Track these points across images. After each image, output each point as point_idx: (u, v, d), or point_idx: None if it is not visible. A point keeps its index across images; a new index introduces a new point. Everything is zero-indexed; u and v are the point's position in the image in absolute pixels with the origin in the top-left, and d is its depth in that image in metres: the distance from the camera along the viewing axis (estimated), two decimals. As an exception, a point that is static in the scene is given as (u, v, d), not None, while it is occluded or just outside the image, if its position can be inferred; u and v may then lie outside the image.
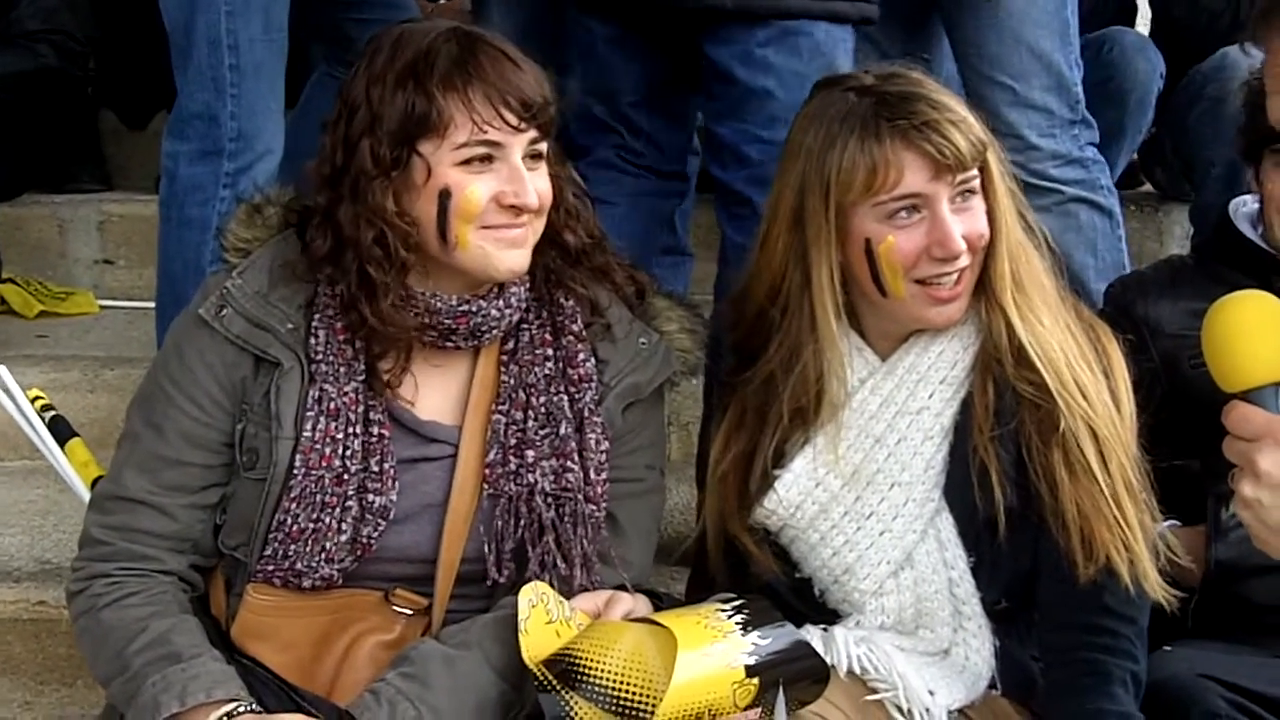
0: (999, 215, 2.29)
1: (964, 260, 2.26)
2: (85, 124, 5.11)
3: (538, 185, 2.19)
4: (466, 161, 2.16)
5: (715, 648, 2.02)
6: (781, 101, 2.85)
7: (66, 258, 4.69)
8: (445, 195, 2.15)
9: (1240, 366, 1.75)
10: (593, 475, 2.24)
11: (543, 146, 2.21)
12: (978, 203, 2.28)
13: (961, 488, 2.30)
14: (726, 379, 2.49)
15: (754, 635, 2.06)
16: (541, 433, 2.25)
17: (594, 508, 2.24)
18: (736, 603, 2.12)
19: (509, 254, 2.19)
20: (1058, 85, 3.37)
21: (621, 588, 2.24)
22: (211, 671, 2.09)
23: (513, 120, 2.15)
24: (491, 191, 2.16)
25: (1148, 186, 4.72)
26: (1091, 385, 2.27)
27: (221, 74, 3.12)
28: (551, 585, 2.18)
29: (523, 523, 2.21)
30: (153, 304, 3.40)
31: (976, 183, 2.28)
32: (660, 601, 2.26)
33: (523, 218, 2.19)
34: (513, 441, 2.24)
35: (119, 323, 4.34)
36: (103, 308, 4.48)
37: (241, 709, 2.05)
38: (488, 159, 2.17)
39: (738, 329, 2.45)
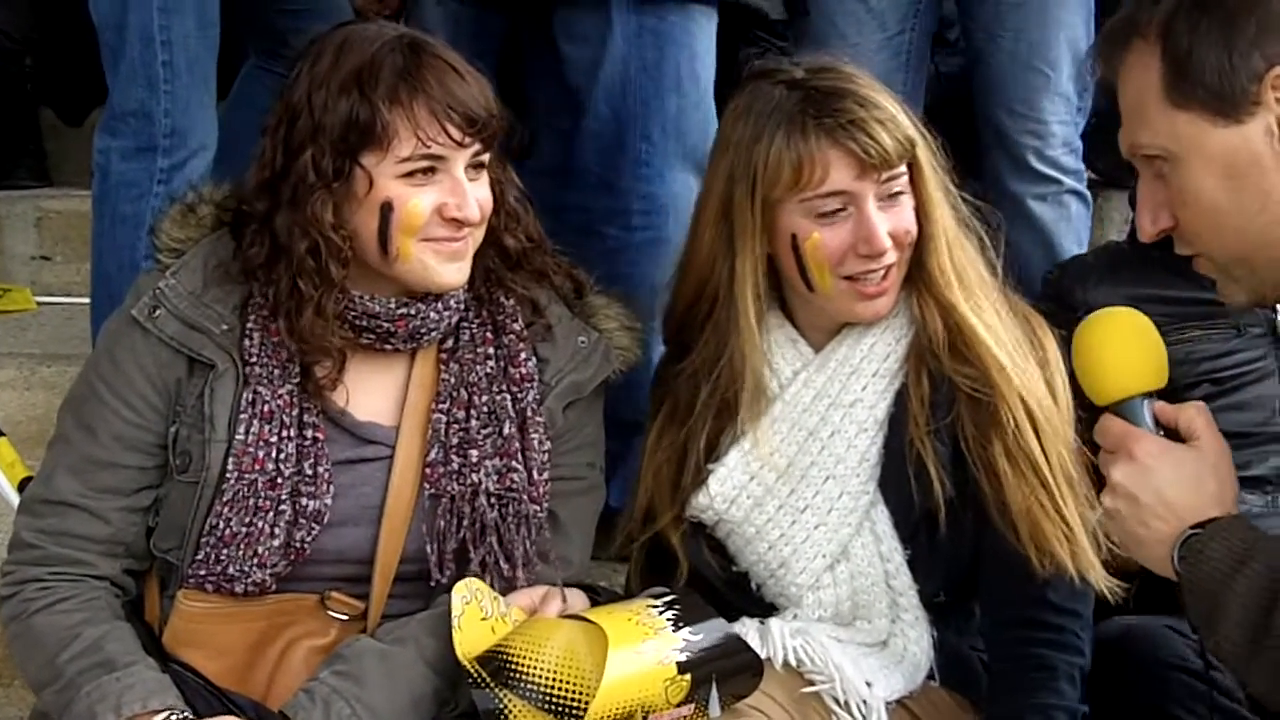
0: (930, 210, 2.29)
1: (890, 257, 2.26)
2: (24, 120, 5.07)
3: (478, 196, 2.19)
4: (409, 174, 2.15)
5: (647, 645, 2.02)
6: None
7: (3, 254, 4.64)
8: (387, 208, 2.14)
9: (1108, 381, 1.87)
10: (535, 475, 2.24)
11: (485, 157, 2.21)
12: (906, 199, 2.28)
13: (897, 480, 2.30)
14: (659, 372, 2.49)
15: (685, 631, 2.06)
16: (484, 432, 2.24)
17: (536, 508, 2.24)
18: (668, 598, 2.13)
19: (449, 268, 2.19)
20: (1078, 73, 3.36)
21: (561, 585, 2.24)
22: (146, 680, 2.08)
23: (457, 135, 2.14)
24: (434, 204, 2.15)
25: (1089, 173, 4.72)
26: (1030, 377, 2.28)
27: (155, 70, 3.09)
28: (492, 584, 2.17)
29: (465, 522, 2.20)
30: (89, 300, 3.36)
31: (905, 180, 2.28)
32: (599, 596, 2.27)
33: (464, 230, 2.19)
34: (455, 440, 2.23)
35: (56, 319, 4.28)
36: (40, 304, 4.42)
37: (174, 718, 2.03)
38: (430, 170, 2.16)
39: (670, 321, 2.45)
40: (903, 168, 2.26)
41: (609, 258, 2.87)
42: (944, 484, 2.26)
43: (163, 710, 2.04)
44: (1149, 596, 2.50)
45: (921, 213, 2.29)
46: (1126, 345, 1.89)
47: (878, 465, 2.32)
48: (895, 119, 2.25)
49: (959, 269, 2.31)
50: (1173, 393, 2.55)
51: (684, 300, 2.39)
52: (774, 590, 2.35)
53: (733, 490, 2.33)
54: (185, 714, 2.05)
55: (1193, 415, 1.87)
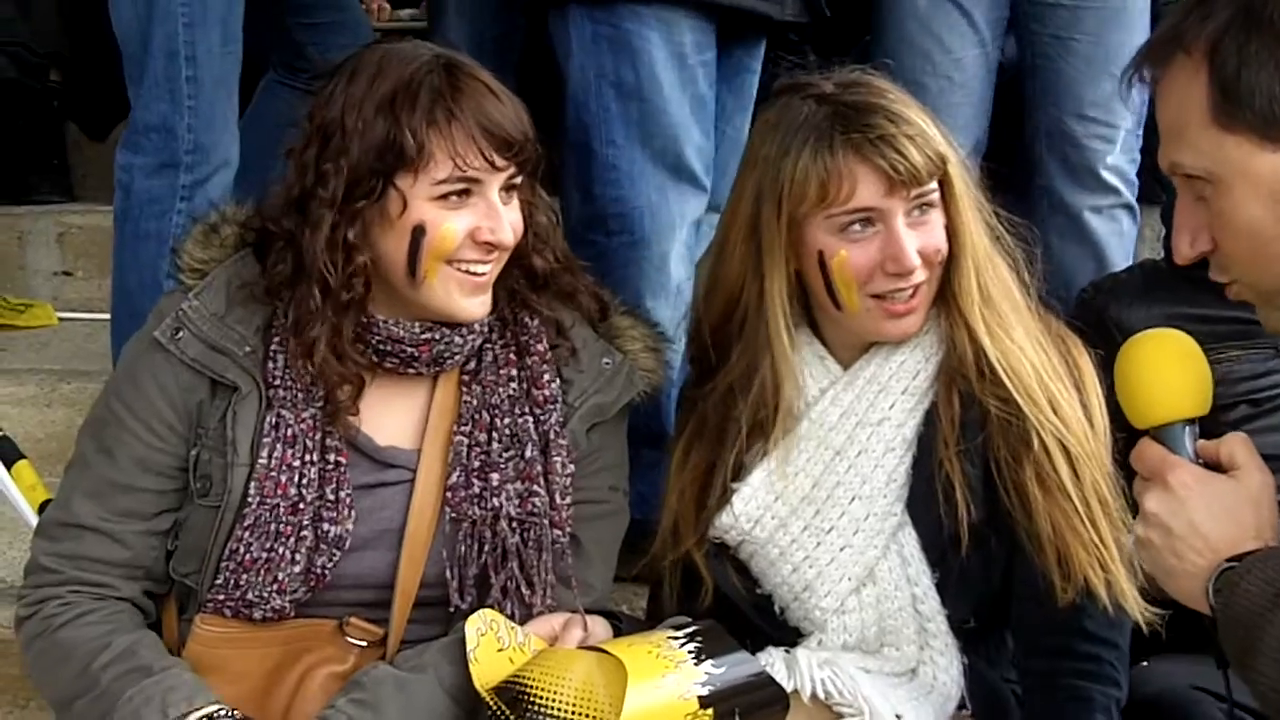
0: (961, 228, 2.26)
1: (919, 276, 2.23)
2: (49, 135, 5.09)
3: (511, 219, 2.17)
4: (443, 196, 2.13)
5: (667, 679, 1.99)
6: None
7: (26, 269, 4.67)
8: (419, 230, 2.13)
9: (1150, 404, 1.82)
10: (558, 499, 2.21)
11: (518, 180, 2.19)
12: (936, 216, 2.25)
13: (925, 502, 2.26)
14: (685, 392, 2.46)
15: (708, 664, 2.03)
16: (506, 455, 2.21)
17: (559, 532, 2.21)
18: (689, 630, 2.09)
19: (472, 301, 2.18)
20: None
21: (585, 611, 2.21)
22: (187, 681, 2.06)
23: (494, 159, 2.13)
24: (467, 227, 2.14)
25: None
26: (1063, 400, 2.25)
27: (179, 85, 3.08)
28: (513, 610, 2.15)
29: (486, 547, 2.18)
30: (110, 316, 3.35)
31: (935, 196, 2.25)
32: (620, 623, 2.24)
33: (494, 254, 2.17)
34: (476, 464, 2.21)
35: (78, 335, 4.30)
36: (61, 320, 4.44)
37: (223, 713, 2.02)
38: (465, 193, 2.14)
39: (698, 340, 2.42)
40: (933, 184, 2.23)
41: (596, 263, 2.86)
42: (971, 506, 2.22)
43: (207, 707, 2.02)
44: (1184, 626, 2.46)
45: (951, 231, 2.26)
46: (1171, 369, 1.84)
47: (905, 486, 2.29)
48: (926, 134, 2.22)
49: (988, 289, 2.28)
50: (1210, 413, 2.53)
51: (712, 319, 2.36)
52: (798, 614, 2.32)
53: (757, 510, 2.30)
54: (234, 711, 2.03)
55: (1235, 445, 1.82)
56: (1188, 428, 1.82)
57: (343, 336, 2.13)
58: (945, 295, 2.28)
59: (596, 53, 2.93)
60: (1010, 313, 2.28)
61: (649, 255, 2.94)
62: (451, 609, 2.17)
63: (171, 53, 3.07)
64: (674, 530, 2.37)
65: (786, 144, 2.23)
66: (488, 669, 2.01)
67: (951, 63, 3.38)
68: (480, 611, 2.08)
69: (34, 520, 2.45)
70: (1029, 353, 2.25)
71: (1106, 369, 2.33)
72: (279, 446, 2.14)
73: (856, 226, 2.21)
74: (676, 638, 2.06)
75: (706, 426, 2.36)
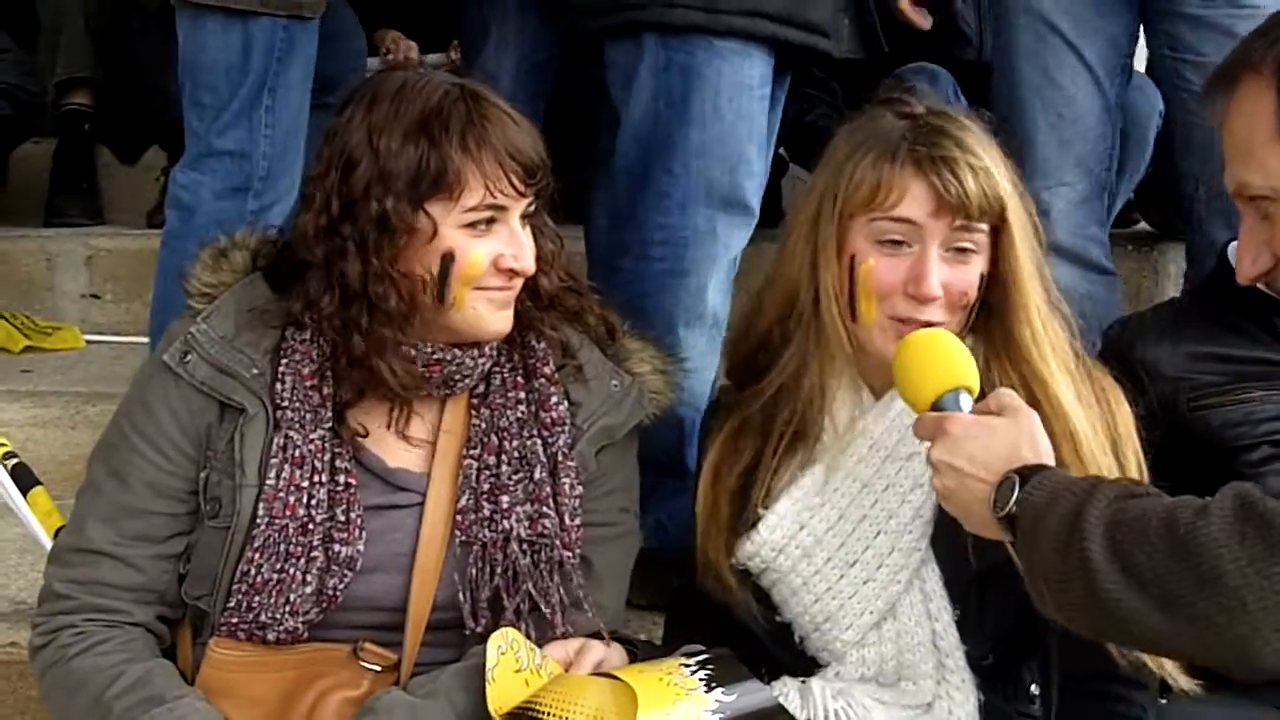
0: (1017, 277, 2.24)
1: (936, 313, 2.21)
2: (80, 159, 5.13)
3: (529, 245, 2.19)
4: (472, 224, 2.14)
5: (678, 706, 1.98)
6: None
7: (53, 291, 4.68)
8: (449, 257, 2.14)
9: (917, 390, 2.03)
10: (567, 520, 2.21)
11: (534, 207, 2.20)
12: (976, 261, 2.23)
13: (950, 539, 2.23)
14: (709, 421, 2.44)
15: (718, 692, 2.02)
16: (515, 477, 2.22)
17: (569, 554, 2.21)
18: (701, 657, 2.09)
19: (499, 315, 2.20)
20: None
21: (597, 635, 2.20)
22: (199, 711, 2.07)
23: (520, 185, 2.15)
24: (492, 254, 2.16)
25: (1144, 225, 4.68)
26: (1095, 449, 2.22)
27: (259, 115, 3.21)
28: (528, 632, 2.14)
29: (498, 570, 2.18)
30: (138, 339, 3.40)
31: (981, 239, 2.23)
32: (635, 649, 2.23)
33: (516, 279, 2.19)
34: (485, 486, 2.21)
35: (104, 358, 4.31)
36: (89, 342, 4.46)
37: None
38: (491, 221, 2.15)
39: (743, 344, 2.41)
40: (982, 225, 2.22)
41: (626, 289, 2.86)
42: (994, 543, 2.19)
43: None
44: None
45: (1011, 280, 2.24)
46: (922, 355, 2.04)
47: (930, 523, 2.26)
48: (990, 171, 2.21)
49: (1042, 344, 2.26)
50: (1232, 453, 2.53)
51: (767, 320, 2.35)
52: (818, 644, 2.30)
53: (782, 539, 2.28)
54: None
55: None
56: (960, 396, 1.99)
57: (398, 356, 2.15)
58: (997, 343, 2.26)
59: (666, 80, 2.94)
60: (1060, 368, 2.26)
61: (686, 284, 2.94)
62: (466, 632, 2.17)
63: (260, 83, 3.19)
64: (705, 550, 2.34)
65: (856, 146, 2.24)
66: (503, 690, 2.01)
67: (1063, 99, 3.39)
68: (502, 630, 2.07)
69: (49, 546, 2.45)
70: (1071, 407, 2.22)
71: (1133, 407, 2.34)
72: (287, 467, 2.15)
73: (893, 238, 2.21)
74: (688, 665, 2.06)
75: (749, 429, 2.34)
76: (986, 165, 2.22)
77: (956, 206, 2.19)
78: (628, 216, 3.02)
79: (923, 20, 4.18)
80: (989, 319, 2.26)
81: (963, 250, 2.22)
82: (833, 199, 2.24)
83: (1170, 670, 2.20)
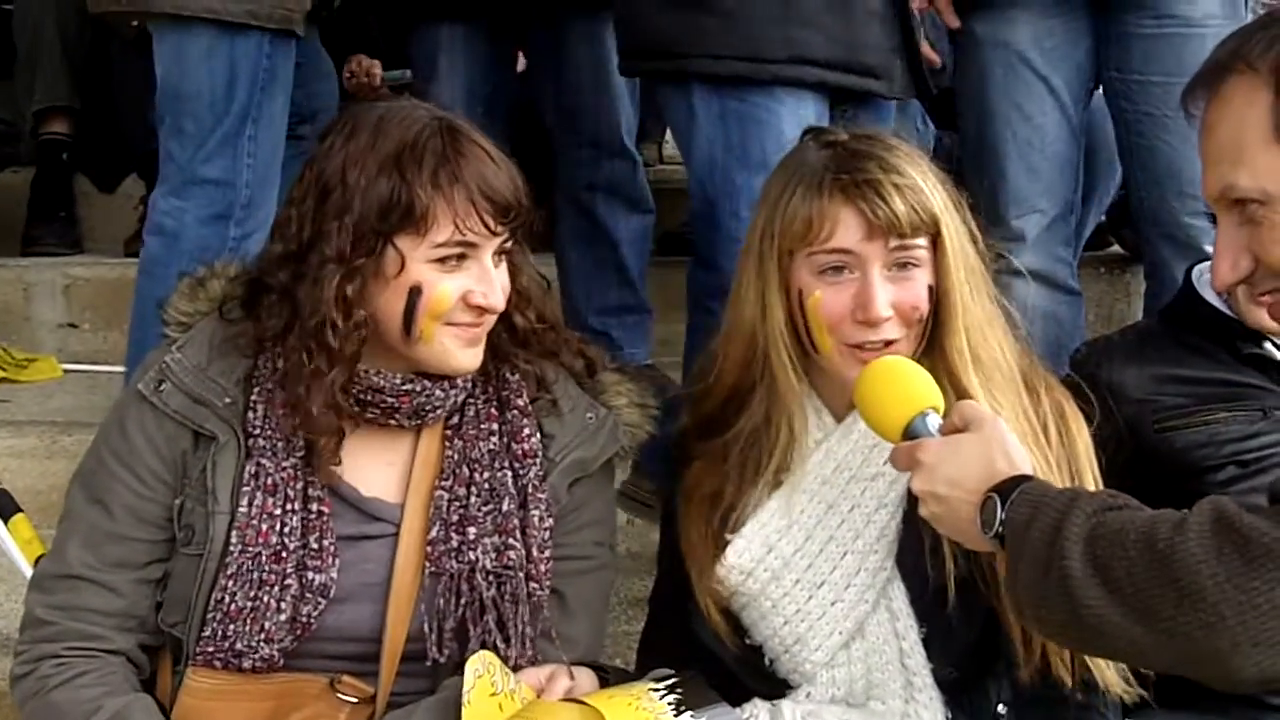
0: (950, 291, 2.26)
1: (891, 330, 2.23)
2: (58, 187, 5.12)
3: (502, 283, 2.19)
4: (441, 259, 2.14)
5: None
6: None
7: (31, 321, 4.69)
8: (415, 291, 2.14)
9: (882, 420, 2.04)
10: (535, 553, 2.21)
11: (509, 244, 2.20)
12: (920, 274, 2.25)
13: (915, 556, 2.26)
14: (677, 439, 2.45)
15: (687, 716, 2.03)
16: (484, 509, 2.22)
17: (536, 585, 2.21)
18: (669, 681, 2.09)
19: (467, 353, 2.19)
20: None
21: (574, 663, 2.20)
22: None
23: (491, 223, 2.14)
24: (461, 290, 2.15)
25: (1116, 247, 4.71)
26: (1043, 467, 2.22)
27: (242, 143, 3.26)
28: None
29: (464, 601, 2.17)
30: (116, 368, 3.40)
31: (922, 254, 2.24)
32: (608, 676, 2.22)
33: (485, 316, 2.18)
34: (455, 518, 2.21)
35: (81, 387, 4.31)
36: (66, 371, 4.45)
37: None
38: (461, 257, 2.15)
39: (709, 400, 2.40)
40: (920, 240, 2.23)
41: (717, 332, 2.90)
42: (956, 560, 2.22)
43: None
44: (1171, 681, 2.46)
45: (940, 292, 2.26)
46: (880, 386, 2.06)
47: (896, 541, 2.28)
48: (917, 189, 2.22)
49: (979, 353, 2.27)
50: (1199, 474, 2.55)
51: (733, 367, 2.35)
52: (788, 666, 2.31)
53: (750, 563, 2.30)
54: None
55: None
56: (927, 418, 2.01)
57: (330, 389, 2.14)
58: (936, 355, 2.27)
59: (724, 128, 2.96)
60: (998, 378, 2.28)
61: None
62: (428, 663, 2.17)
63: (244, 114, 3.24)
64: (689, 573, 2.34)
65: (787, 182, 2.26)
66: (478, 712, 2.00)
67: (1032, 129, 3.42)
68: (480, 653, 2.07)
69: (30, 574, 2.46)
70: (1013, 421, 2.21)
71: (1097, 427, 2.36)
72: (259, 495, 2.15)
73: (833, 269, 2.22)
74: (657, 689, 2.06)
75: (726, 466, 2.34)
76: (913, 182, 2.23)
77: (887, 228, 2.20)
78: (708, 259, 3.05)
79: (935, 57, 4.21)
80: (934, 332, 2.28)
81: (905, 266, 2.24)
82: (771, 238, 2.26)
83: (1111, 679, 2.23)
